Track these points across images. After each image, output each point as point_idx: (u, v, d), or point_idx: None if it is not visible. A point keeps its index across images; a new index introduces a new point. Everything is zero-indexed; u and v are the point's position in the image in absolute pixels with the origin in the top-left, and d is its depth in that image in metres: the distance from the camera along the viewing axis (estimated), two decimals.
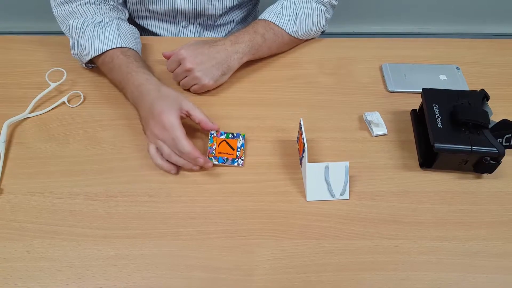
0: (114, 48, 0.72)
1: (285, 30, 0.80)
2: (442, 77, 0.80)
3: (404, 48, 0.86)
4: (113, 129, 0.70)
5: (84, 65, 0.78)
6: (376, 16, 1.65)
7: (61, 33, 0.80)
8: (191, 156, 0.62)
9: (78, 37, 0.74)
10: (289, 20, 0.80)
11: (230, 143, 0.69)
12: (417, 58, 0.84)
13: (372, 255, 0.57)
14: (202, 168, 0.65)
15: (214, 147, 0.68)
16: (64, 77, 0.74)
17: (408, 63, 0.83)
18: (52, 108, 0.73)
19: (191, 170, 0.65)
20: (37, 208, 0.61)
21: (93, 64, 0.78)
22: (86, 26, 0.74)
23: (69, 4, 0.75)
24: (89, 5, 0.76)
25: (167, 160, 0.64)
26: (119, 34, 0.74)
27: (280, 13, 0.81)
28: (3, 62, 0.80)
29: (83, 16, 0.75)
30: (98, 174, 0.65)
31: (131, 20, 0.91)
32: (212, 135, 0.69)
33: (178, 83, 0.76)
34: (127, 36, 0.76)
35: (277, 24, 0.80)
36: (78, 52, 0.75)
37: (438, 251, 0.58)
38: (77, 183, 0.63)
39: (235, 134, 0.70)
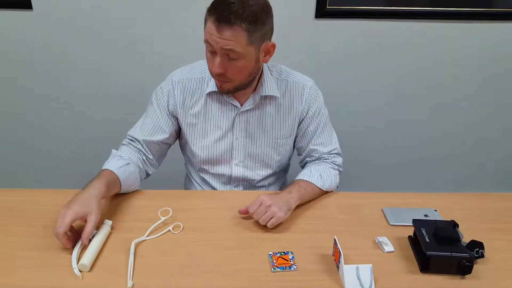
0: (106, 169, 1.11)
1: (315, 185, 1.20)
2: (425, 215, 1.16)
3: (397, 198, 1.24)
4: (206, 247, 1.02)
5: None
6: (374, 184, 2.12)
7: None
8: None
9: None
10: (317, 178, 1.21)
11: (284, 258, 1.00)
12: (407, 204, 1.20)
13: None
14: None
15: (274, 262, 0.98)
16: (170, 214, 1.09)
17: (401, 207, 1.19)
18: (162, 234, 1.05)
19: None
20: None
21: None
22: (113, 157, 1.18)
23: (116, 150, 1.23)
24: (124, 150, 1.22)
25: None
26: (119, 167, 1.13)
27: (310, 175, 1.22)
28: (128, 206, 1.16)
29: (123, 155, 1.21)
30: (202, 275, 0.93)
31: (200, 178, 1.35)
32: (270, 255, 1.00)
33: (259, 227, 1.07)
34: (124, 173, 1.13)
35: (310, 181, 1.20)
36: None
37: None
38: (188, 280, 0.91)
39: (285, 252, 1.01)
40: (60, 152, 2.03)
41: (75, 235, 0.98)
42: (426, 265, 0.96)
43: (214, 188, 1.34)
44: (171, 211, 1.11)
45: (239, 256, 0.99)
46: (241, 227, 1.09)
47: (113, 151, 1.22)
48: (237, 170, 1.30)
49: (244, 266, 0.96)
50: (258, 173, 1.31)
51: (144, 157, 1.24)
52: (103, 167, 1.13)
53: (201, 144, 1.26)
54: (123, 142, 1.26)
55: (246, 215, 1.10)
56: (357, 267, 0.93)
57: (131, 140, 1.25)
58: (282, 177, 1.43)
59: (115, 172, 1.12)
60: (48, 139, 2.00)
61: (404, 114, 1.97)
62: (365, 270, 0.93)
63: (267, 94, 1.20)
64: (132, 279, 0.91)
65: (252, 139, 1.26)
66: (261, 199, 1.07)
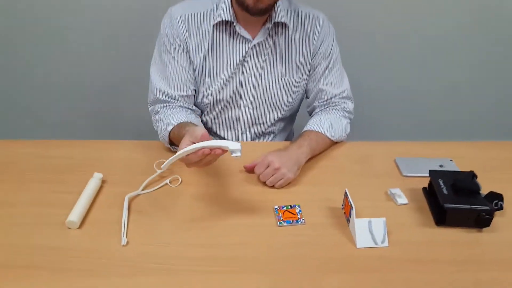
0: (174, 126, 1.05)
1: (326, 136, 1.12)
2: (441, 165, 1.08)
3: (410, 148, 1.16)
4: (207, 201, 0.95)
5: (171, 148, 1.10)
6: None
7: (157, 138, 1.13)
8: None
9: (161, 130, 1.10)
10: (327, 128, 1.12)
11: (290, 211, 0.93)
12: (421, 155, 1.13)
13: (413, 282, 0.77)
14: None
15: (280, 216, 0.92)
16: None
17: (414, 157, 1.11)
18: (158, 188, 0.98)
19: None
20: (155, 255, 0.81)
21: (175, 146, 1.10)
22: (165, 118, 1.10)
23: (158, 115, 1.13)
24: (169, 110, 1.12)
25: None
26: (184, 117, 1.08)
27: (320, 124, 1.13)
28: (120, 158, 1.09)
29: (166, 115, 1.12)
30: (203, 230, 0.87)
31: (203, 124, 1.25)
32: (276, 208, 0.93)
33: (264, 183, 1.00)
34: (189, 117, 1.10)
35: (321, 132, 1.11)
36: (163, 140, 1.10)
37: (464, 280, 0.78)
38: (187, 236, 0.85)
39: (292, 205, 0.94)
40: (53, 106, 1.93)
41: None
42: (443, 218, 0.90)
43: (218, 135, 1.26)
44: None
45: (242, 210, 0.93)
46: (244, 180, 1.02)
47: (157, 116, 1.13)
48: (246, 113, 1.20)
49: (248, 221, 0.90)
50: (267, 116, 1.22)
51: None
52: (171, 128, 1.06)
53: (208, 86, 1.16)
54: (156, 110, 1.14)
55: (251, 172, 1.03)
56: (370, 221, 0.86)
57: (165, 102, 1.14)
58: (289, 125, 1.35)
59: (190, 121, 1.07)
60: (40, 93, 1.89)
61: (417, 60, 1.85)
62: (378, 223, 0.86)
63: (279, 20, 1.10)
64: (126, 236, 0.84)
65: (263, 78, 1.16)
66: (269, 160, 0.99)
